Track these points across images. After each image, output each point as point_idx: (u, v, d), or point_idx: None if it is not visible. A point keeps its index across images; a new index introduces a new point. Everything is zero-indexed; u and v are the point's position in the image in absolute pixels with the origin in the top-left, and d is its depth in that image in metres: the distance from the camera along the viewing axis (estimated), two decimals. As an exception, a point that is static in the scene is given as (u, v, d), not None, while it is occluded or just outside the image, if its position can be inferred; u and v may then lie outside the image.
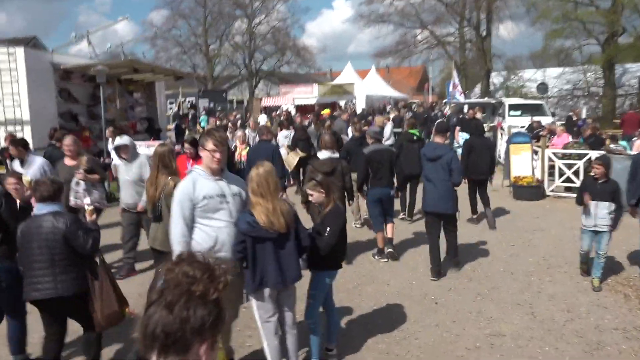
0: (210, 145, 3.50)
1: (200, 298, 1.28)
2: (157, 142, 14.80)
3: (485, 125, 16.39)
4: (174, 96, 35.45)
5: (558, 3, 24.80)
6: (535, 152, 11.32)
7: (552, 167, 10.95)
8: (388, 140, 11.17)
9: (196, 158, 5.74)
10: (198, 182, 3.53)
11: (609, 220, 5.67)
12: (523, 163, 11.19)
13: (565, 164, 10.52)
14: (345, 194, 6.45)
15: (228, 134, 9.66)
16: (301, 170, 10.82)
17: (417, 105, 32.77)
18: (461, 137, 13.66)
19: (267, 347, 3.71)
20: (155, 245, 4.77)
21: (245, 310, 4.35)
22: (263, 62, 43.51)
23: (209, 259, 1.37)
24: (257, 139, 10.26)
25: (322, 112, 20.63)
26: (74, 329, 4.13)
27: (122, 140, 5.92)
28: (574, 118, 16.78)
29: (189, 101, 35.96)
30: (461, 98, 24.59)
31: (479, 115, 16.11)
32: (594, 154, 10.10)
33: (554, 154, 10.85)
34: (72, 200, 5.83)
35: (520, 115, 18.62)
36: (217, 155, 3.50)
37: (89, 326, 3.84)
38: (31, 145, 12.51)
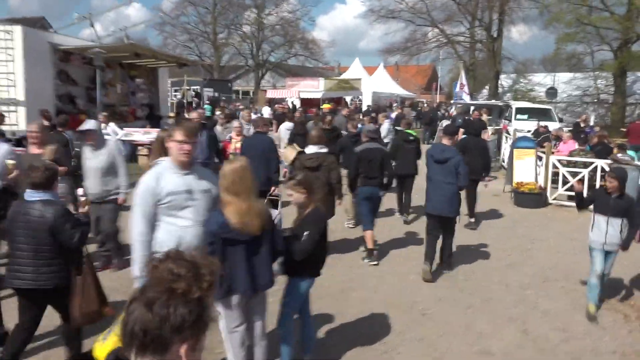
0: (178, 135, 3.20)
1: (182, 296, 1.26)
2: (153, 130, 14.53)
3: (490, 127, 16.12)
4: (179, 84, 35.17)
5: (572, 7, 24.33)
6: (540, 158, 10.97)
7: (556, 174, 10.60)
8: (385, 138, 10.88)
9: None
10: (163, 176, 3.23)
11: (619, 239, 5.09)
12: (526, 168, 10.85)
13: (570, 172, 10.17)
14: (333, 190, 6.29)
15: (219, 126, 9.26)
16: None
17: (424, 105, 32.45)
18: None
19: (232, 359, 3.42)
20: None
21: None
22: (270, 53, 43.19)
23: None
24: (250, 131, 9.94)
25: (322, 106, 20.27)
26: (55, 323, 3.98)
27: (88, 124, 5.34)
28: (582, 125, 16.36)
29: (193, 90, 35.67)
30: (467, 99, 24.20)
31: (484, 117, 15.76)
32: (600, 162, 9.76)
33: (559, 160, 10.50)
34: None
35: (527, 120, 18.27)
36: (186, 147, 3.21)
37: (68, 318, 3.71)
38: (24, 126, 12.43)
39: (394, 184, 7.86)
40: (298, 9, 42.60)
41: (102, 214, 5.64)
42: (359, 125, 10.72)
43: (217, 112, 23.02)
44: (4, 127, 9.51)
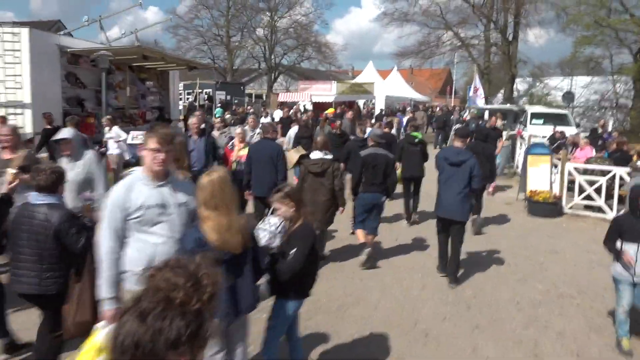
0: (151, 143, 2.93)
1: (179, 307, 1.18)
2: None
3: (504, 132, 15.64)
4: (192, 87, 35.18)
5: (590, 9, 23.70)
6: (555, 165, 10.54)
7: (572, 182, 10.17)
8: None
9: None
10: (134, 188, 2.96)
11: None
12: (541, 176, 10.43)
13: (587, 180, 9.73)
14: (336, 197, 6.21)
15: (215, 131, 8.85)
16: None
17: (437, 109, 31.97)
18: None
19: (211, 387, 3.13)
20: None
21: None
22: (283, 56, 43.05)
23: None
24: (254, 138, 9.68)
25: (327, 111, 20.01)
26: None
27: (63, 133, 4.84)
28: (600, 130, 15.82)
29: (205, 92, 35.67)
30: (481, 103, 23.70)
31: (499, 123, 15.24)
32: (618, 170, 9.32)
33: (575, 168, 10.06)
34: None
35: (543, 124, 17.76)
36: (161, 156, 2.93)
37: (56, 327, 3.52)
38: (31, 129, 12.35)
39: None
40: (311, 12, 42.42)
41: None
42: (368, 129, 10.53)
43: (227, 115, 22.96)
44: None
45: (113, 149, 10.93)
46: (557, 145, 13.53)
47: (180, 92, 38.04)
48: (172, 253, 2.93)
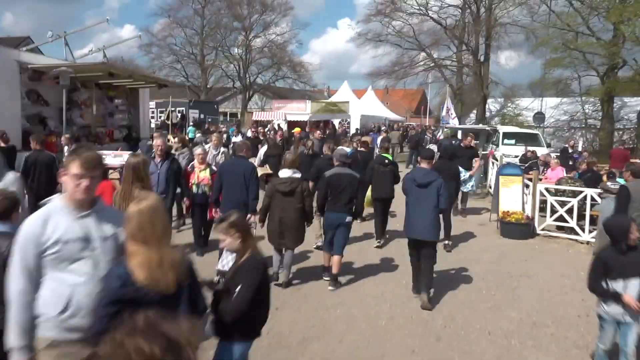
0: (75, 167, 2.56)
1: None
2: (125, 153, 13.86)
3: (478, 152, 15.57)
4: (165, 105, 34.63)
5: (558, 32, 24.25)
6: (527, 186, 10.44)
7: (544, 202, 10.07)
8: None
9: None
10: (52, 219, 2.57)
11: None
12: (513, 197, 10.29)
13: (558, 201, 9.63)
14: (306, 217, 6.39)
15: (173, 152, 8.33)
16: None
17: (412, 129, 32.12)
18: None
19: None
20: None
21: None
22: (258, 75, 42.92)
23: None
24: (219, 157, 9.33)
25: (293, 130, 19.85)
26: None
27: None
28: (570, 150, 15.97)
29: (179, 111, 35.14)
30: (453, 123, 23.85)
31: (472, 142, 15.11)
32: (589, 191, 9.23)
33: (546, 189, 9.97)
34: None
35: (515, 144, 17.86)
36: (85, 183, 2.56)
37: None
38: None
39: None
40: (286, 31, 42.53)
41: None
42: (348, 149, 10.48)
43: (198, 134, 22.51)
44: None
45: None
46: (529, 165, 13.53)
47: (153, 110, 37.49)
48: (93, 294, 2.56)
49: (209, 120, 33.98)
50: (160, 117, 36.22)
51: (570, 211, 9.41)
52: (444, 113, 24.48)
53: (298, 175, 6.32)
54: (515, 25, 28.64)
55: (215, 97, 42.65)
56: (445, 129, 22.93)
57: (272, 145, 12.44)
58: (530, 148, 15.74)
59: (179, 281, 2.59)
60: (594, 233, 8.33)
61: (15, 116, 13.20)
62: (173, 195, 7.01)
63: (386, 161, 8.91)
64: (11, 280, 2.54)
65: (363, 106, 34.19)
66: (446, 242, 8.51)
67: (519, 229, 9.62)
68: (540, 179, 10.77)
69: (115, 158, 13.70)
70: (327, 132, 25.50)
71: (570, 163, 13.97)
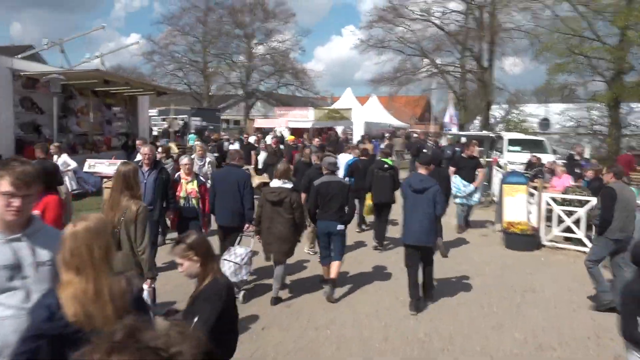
0: (4, 184, 2.22)
1: None
2: (118, 161, 13.56)
3: (482, 160, 15.15)
4: (167, 112, 34.44)
5: (562, 37, 23.82)
6: (532, 195, 10.03)
7: (550, 211, 9.66)
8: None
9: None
10: (-25, 243, 2.24)
11: None
12: (517, 206, 9.88)
13: (565, 211, 9.21)
14: (297, 228, 6.25)
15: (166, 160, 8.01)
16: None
17: (414, 135, 31.74)
18: (452, 183, 10.02)
19: None
20: None
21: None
22: (260, 82, 42.72)
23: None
24: (205, 167, 8.99)
25: (287, 139, 19.56)
26: None
27: None
28: (576, 157, 15.48)
29: (181, 119, 34.96)
30: (455, 130, 23.47)
31: (476, 152, 14.57)
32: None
33: (552, 198, 9.55)
34: None
35: (520, 151, 17.44)
36: (15, 202, 2.22)
37: None
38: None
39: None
40: (288, 38, 42.33)
41: None
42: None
43: (197, 142, 22.22)
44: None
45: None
46: (534, 173, 13.12)
47: (155, 117, 37.33)
48: (21, 330, 2.20)
49: (211, 127, 33.75)
50: (162, 124, 36.09)
51: (577, 221, 9.00)
52: (446, 120, 24.09)
53: (288, 185, 6.19)
54: (519, 31, 28.29)
55: (218, 104, 42.45)
56: (449, 136, 22.53)
57: (271, 152, 12.11)
58: (535, 155, 15.31)
59: (120, 316, 2.22)
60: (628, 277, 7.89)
61: (8, 124, 12.98)
62: (161, 206, 6.65)
63: (385, 166, 8.89)
64: None
65: (366, 113, 33.86)
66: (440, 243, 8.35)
67: (523, 240, 9.21)
68: (546, 188, 10.36)
69: (109, 166, 13.47)
70: (330, 139, 25.25)
71: (577, 171, 13.51)
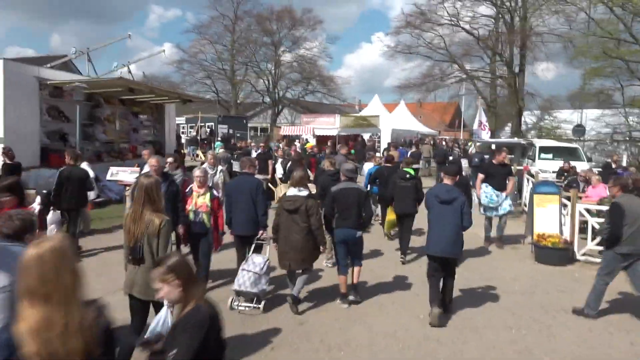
0: None
1: None
2: (140, 169, 13.54)
3: (512, 167, 14.53)
4: (195, 120, 34.82)
5: (598, 40, 22.93)
6: (565, 205, 9.46)
7: (584, 223, 9.08)
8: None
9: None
10: None
11: None
12: (549, 217, 9.34)
13: (600, 223, 8.62)
14: (313, 236, 6.01)
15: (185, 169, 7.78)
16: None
17: (444, 142, 31.11)
18: (484, 192, 9.74)
19: None
20: (134, 292, 4.12)
21: None
22: (287, 90, 42.83)
23: None
24: (217, 176, 8.83)
25: (305, 145, 19.27)
26: None
27: None
28: (613, 165, 14.71)
29: (208, 126, 35.28)
30: (486, 137, 22.79)
31: (507, 159, 13.89)
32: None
33: (587, 209, 8.99)
34: None
35: (552, 159, 16.74)
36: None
37: None
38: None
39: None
40: (315, 46, 42.33)
41: None
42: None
43: (220, 150, 22.23)
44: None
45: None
46: (568, 182, 12.48)
47: (183, 125, 37.81)
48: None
49: (238, 135, 33.90)
50: (190, 132, 36.49)
51: (614, 235, 8.40)
52: (476, 126, 23.46)
53: (304, 193, 6.02)
54: (552, 34, 27.43)
55: (245, 112, 42.75)
56: (477, 143, 21.90)
57: (295, 160, 11.93)
58: (568, 161, 14.61)
59: (87, 351, 1.97)
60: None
61: (34, 132, 13.14)
62: (171, 221, 6.40)
63: (407, 176, 8.70)
64: None
65: (394, 120, 33.42)
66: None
67: (556, 254, 8.67)
68: (580, 198, 9.78)
69: (131, 174, 13.47)
70: (356, 147, 24.94)
71: (614, 179, 12.79)
